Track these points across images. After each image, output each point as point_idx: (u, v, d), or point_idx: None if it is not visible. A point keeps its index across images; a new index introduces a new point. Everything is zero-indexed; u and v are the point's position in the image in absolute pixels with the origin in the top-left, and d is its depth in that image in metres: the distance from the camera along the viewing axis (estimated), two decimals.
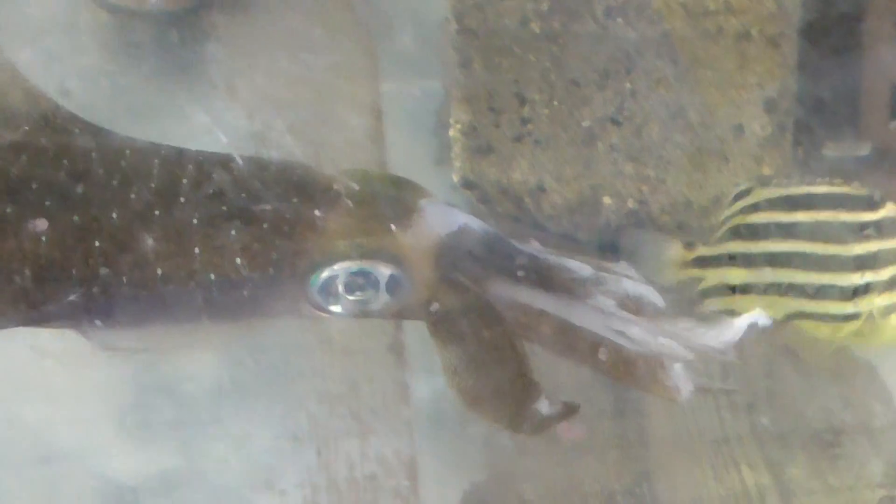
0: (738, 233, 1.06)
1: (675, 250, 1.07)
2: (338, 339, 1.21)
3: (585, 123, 1.21)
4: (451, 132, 1.24)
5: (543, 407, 0.84)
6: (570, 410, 0.84)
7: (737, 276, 1.05)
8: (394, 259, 0.82)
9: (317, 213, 0.82)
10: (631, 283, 0.84)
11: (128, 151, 0.82)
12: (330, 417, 1.20)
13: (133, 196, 0.81)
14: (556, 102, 1.22)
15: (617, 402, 1.22)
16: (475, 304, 0.83)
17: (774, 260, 1.04)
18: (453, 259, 0.82)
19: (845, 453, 1.20)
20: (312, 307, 0.83)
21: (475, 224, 0.84)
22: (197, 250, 0.81)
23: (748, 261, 1.05)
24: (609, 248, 1.24)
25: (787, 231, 1.04)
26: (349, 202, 0.82)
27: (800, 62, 1.22)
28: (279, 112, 1.20)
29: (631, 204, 1.22)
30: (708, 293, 1.07)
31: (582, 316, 0.83)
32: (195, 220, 0.81)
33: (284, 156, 0.85)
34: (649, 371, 0.84)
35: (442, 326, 0.84)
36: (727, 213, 1.08)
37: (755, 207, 1.07)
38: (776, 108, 1.20)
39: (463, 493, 1.16)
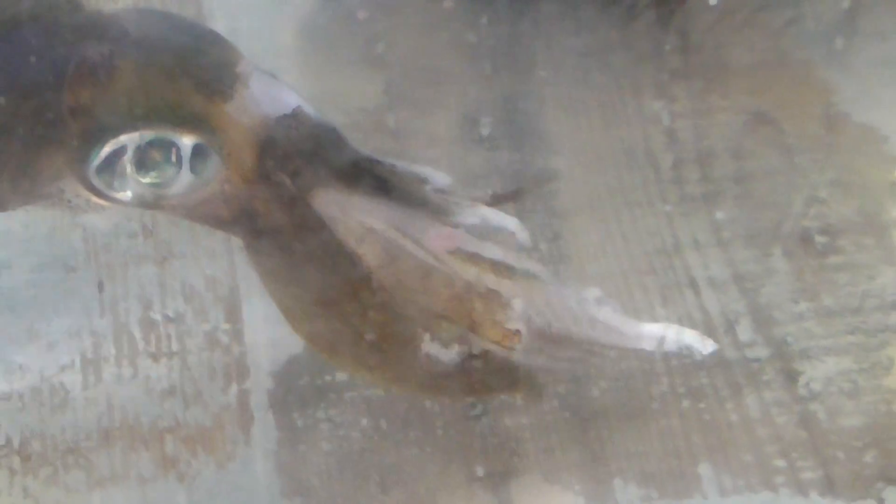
0: None
1: None
2: None
3: None
4: None
5: (435, 350, 0.80)
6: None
7: None
8: (207, 131, 0.74)
9: (99, 60, 0.72)
10: (494, 213, 0.81)
11: None
12: (116, 236, 0.99)
13: None
14: None
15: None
16: (296, 217, 0.77)
17: None
18: (279, 149, 0.76)
19: (846, 262, 1.00)
20: (89, 191, 0.75)
21: (309, 111, 0.77)
22: None
23: None
24: None
25: None
26: (148, 50, 0.74)
27: None
28: None
29: None
30: None
31: (419, 238, 0.78)
32: None
33: None
34: (486, 309, 0.80)
35: (256, 245, 0.78)
36: None
37: None
38: None
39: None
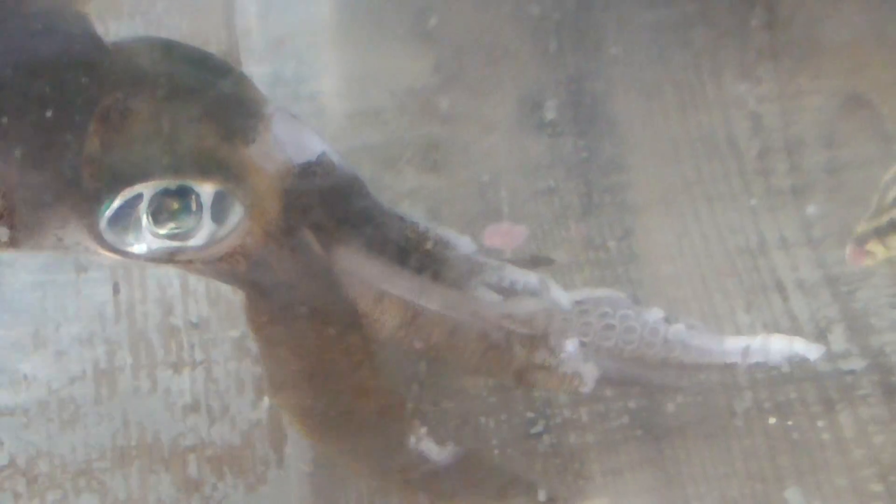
0: None
1: None
2: None
3: None
4: None
5: (427, 447, 0.82)
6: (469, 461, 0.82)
7: None
8: (228, 177, 0.75)
9: (111, 103, 0.73)
10: (520, 272, 0.83)
11: None
12: None
13: None
14: None
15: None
16: (318, 278, 0.78)
17: None
18: (303, 199, 0.78)
19: None
20: (98, 245, 0.75)
21: (334, 157, 0.79)
22: None
23: None
24: None
25: None
26: (165, 91, 0.75)
27: None
28: None
29: None
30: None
31: (449, 299, 0.81)
32: None
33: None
34: (530, 356, 0.82)
35: (266, 302, 0.79)
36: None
37: None
38: None
39: None
